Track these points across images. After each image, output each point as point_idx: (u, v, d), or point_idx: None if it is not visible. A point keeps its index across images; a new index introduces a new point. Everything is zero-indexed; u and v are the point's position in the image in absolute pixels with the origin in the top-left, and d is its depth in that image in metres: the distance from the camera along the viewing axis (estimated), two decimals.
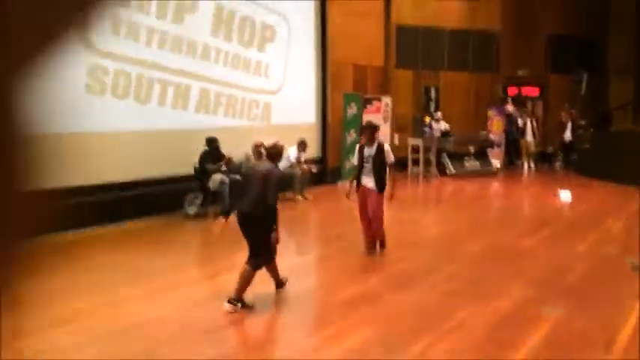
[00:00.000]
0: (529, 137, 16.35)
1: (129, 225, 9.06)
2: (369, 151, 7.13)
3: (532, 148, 16.35)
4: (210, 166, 9.53)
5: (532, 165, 16.24)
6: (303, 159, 11.45)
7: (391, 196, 7.25)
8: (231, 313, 5.19)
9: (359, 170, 7.23)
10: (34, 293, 5.96)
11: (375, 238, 7.32)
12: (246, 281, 5.30)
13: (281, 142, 6.00)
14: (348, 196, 7.40)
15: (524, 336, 4.84)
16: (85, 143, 8.93)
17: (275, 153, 5.81)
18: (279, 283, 5.84)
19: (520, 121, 16.67)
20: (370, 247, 7.32)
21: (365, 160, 7.13)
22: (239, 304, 5.27)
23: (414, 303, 5.69)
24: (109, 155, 9.25)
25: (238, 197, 5.80)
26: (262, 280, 5.98)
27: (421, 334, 4.88)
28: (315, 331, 4.99)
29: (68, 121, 8.64)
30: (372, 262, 7.21)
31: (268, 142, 6.06)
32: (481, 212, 10.86)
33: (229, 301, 5.25)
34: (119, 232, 8.72)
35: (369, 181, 7.12)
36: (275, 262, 5.66)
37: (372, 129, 7.32)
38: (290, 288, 6.14)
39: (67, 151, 8.67)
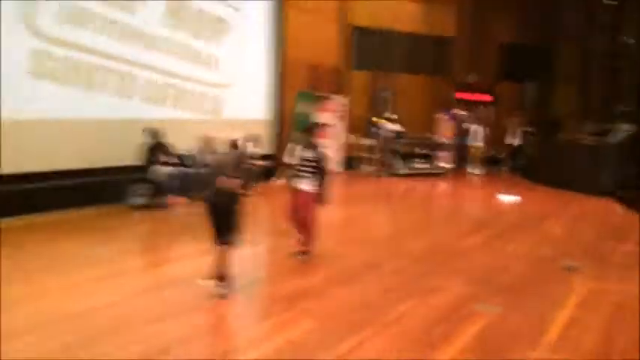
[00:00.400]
0: (477, 142, 16.73)
1: (72, 213, 8.91)
2: (310, 152, 6.99)
3: (479, 153, 16.71)
4: (153, 159, 9.47)
5: (479, 169, 16.62)
6: (258, 154, 11.45)
7: (326, 202, 7.05)
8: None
9: (295, 170, 7.00)
10: None
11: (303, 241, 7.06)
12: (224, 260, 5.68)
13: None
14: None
15: (459, 332, 5.01)
16: (27, 130, 8.75)
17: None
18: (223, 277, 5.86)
19: (469, 126, 17.07)
20: (300, 250, 7.06)
21: (303, 160, 6.97)
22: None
23: (356, 298, 5.80)
24: (52, 142, 9.08)
25: (207, 186, 5.84)
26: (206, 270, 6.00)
27: (359, 328, 5.00)
28: (256, 322, 5.03)
29: (10, 106, 8.46)
30: (318, 257, 7.28)
31: (226, 136, 6.31)
32: (427, 211, 11.10)
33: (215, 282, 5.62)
34: (61, 220, 8.58)
35: (304, 183, 6.92)
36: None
37: (315, 129, 7.21)
38: (236, 279, 6.17)
39: (8, 137, 8.48)
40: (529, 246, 8.26)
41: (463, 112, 17.92)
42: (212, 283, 5.66)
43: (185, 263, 6.75)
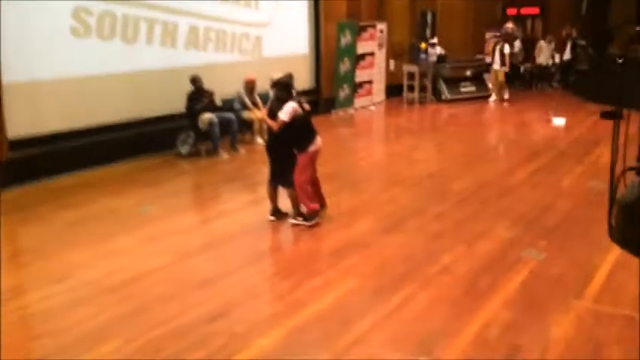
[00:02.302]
0: (497, 65, 14.91)
1: (122, 166, 9.17)
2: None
3: (501, 77, 14.95)
4: (195, 107, 9.54)
5: (498, 94, 15.07)
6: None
7: None
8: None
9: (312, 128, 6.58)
10: (29, 245, 6.20)
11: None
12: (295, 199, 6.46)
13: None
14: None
15: (503, 282, 5.04)
16: (74, 87, 8.91)
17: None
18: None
19: (517, 44, 16.38)
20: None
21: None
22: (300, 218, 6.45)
23: (400, 248, 5.87)
24: (99, 97, 9.23)
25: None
26: (244, 231, 6.18)
27: (405, 281, 5.09)
28: (302, 281, 5.18)
29: (55, 65, 8.61)
30: (362, 202, 7.36)
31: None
32: (473, 142, 10.90)
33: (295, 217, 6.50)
34: (112, 174, 8.84)
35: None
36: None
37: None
38: (279, 235, 6.33)
39: (56, 95, 8.68)
40: (577, 178, 8.09)
41: (510, 26, 17.20)
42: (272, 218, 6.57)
43: (234, 217, 6.91)
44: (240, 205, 7.40)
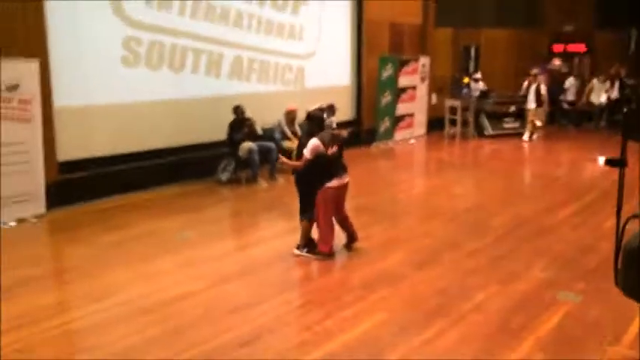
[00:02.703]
0: (531, 104, 14.59)
1: (165, 191, 9.43)
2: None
3: (534, 117, 14.56)
4: (236, 136, 9.77)
5: (528, 135, 14.65)
6: (334, 124, 11.52)
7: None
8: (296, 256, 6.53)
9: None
10: (73, 264, 6.43)
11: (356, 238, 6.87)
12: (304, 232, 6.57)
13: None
14: None
15: (537, 323, 4.98)
16: (122, 113, 9.26)
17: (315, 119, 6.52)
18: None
19: (571, 81, 16.26)
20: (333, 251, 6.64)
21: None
22: (304, 250, 6.54)
23: (433, 283, 5.87)
24: (146, 123, 9.56)
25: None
26: (279, 258, 6.27)
27: (436, 317, 5.08)
28: (332, 312, 5.23)
29: (105, 92, 8.98)
30: (397, 235, 7.38)
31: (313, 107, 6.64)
32: (514, 178, 10.84)
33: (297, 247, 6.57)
34: (156, 198, 9.10)
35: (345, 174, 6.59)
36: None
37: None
38: (312, 265, 6.40)
39: (104, 120, 9.04)
40: (623, 221, 7.93)
41: (558, 63, 17.11)
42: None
43: (271, 244, 7.03)
44: (276, 233, 7.52)
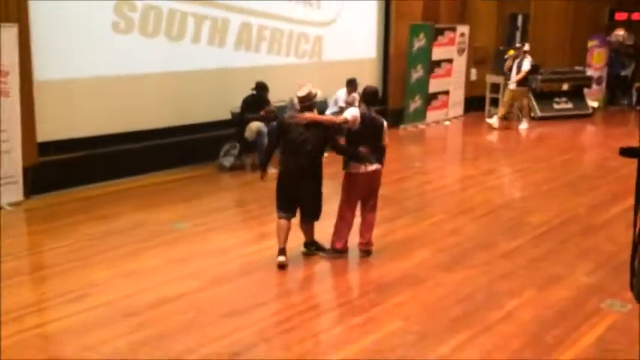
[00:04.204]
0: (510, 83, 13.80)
1: (159, 177, 9.52)
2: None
3: (514, 97, 13.79)
4: (248, 116, 9.78)
5: (525, 122, 13.91)
6: (356, 102, 11.47)
7: None
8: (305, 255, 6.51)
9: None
10: (51, 259, 6.55)
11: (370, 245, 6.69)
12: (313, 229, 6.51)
13: (314, 90, 6.31)
14: None
15: (575, 336, 4.97)
16: (113, 87, 9.33)
17: (309, 105, 6.30)
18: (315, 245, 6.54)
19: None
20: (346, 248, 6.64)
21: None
22: (312, 247, 6.52)
23: (458, 287, 5.87)
24: (138, 100, 9.62)
25: (289, 150, 6.26)
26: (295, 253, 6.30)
27: (459, 327, 5.10)
28: (342, 318, 5.26)
29: (94, 63, 9.05)
30: (422, 232, 7.39)
31: (300, 90, 6.29)
32: (561, 169, 10.72)
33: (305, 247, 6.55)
34: (147, 185, 9.20)
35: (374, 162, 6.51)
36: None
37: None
38: (322, 264, 6.43)
39: (91, 96, 9.13)
40: None
41: (621, 34, 16.81)
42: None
43: (274, 240, 7.04)
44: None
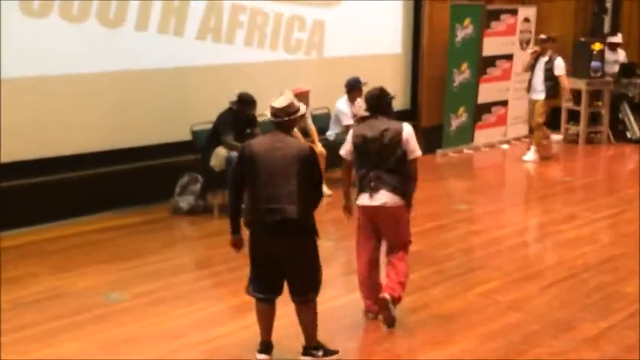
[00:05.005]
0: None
1: (88, 224, 9.60)
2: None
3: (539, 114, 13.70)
4: (228, 138, 9.79)
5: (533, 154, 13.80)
6: (362, 110, 11.47)
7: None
8: None
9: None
10: None
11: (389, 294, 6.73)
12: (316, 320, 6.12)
13: (297, 102, 6.23)
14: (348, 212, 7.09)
15: None
16: (18, 95, 9.30)
17: (289, 121, 6.10)
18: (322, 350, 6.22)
19: None
20: (375, 309, 6.89)
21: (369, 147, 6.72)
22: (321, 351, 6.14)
23: None
24: (58, 112, 9.66)
25: (258, 193, 5.99)
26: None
27: None
28: None
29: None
30: (466, 306, 7.38)
31: (277, 100, 6.17)
32: None
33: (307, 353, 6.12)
34: (69, 235, 9.24)
35: (384, 192, 6.65)
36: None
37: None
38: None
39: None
40: None
41: None
42: None
43: (251, 319, 7.03)
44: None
